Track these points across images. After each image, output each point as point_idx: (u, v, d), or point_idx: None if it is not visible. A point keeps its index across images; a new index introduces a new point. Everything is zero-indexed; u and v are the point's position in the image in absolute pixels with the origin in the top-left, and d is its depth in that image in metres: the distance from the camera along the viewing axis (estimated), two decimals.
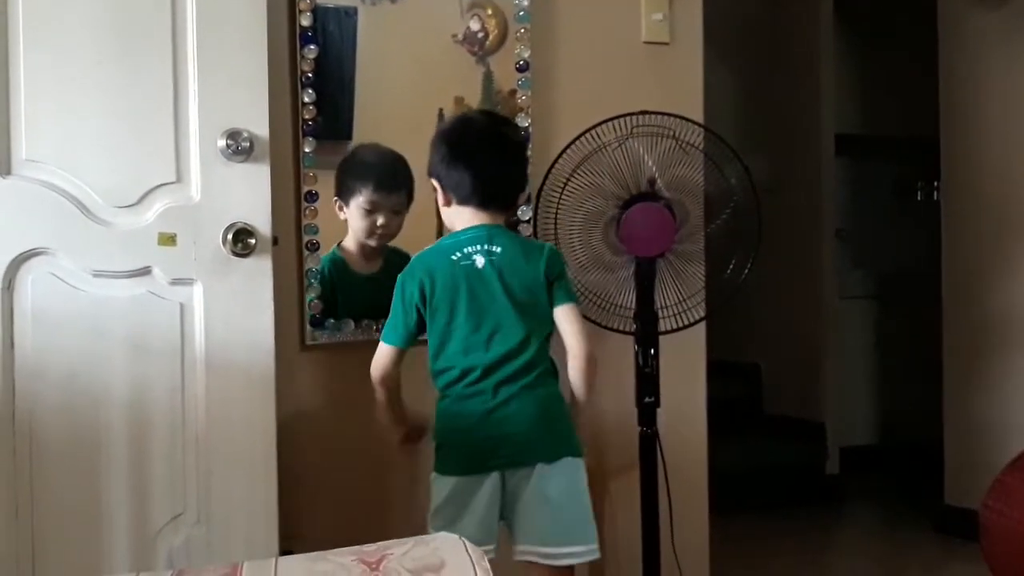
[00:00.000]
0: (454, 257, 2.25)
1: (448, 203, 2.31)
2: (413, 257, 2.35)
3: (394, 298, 2.29)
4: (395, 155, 2.62)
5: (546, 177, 2.59)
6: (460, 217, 2.30)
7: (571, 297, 2.33)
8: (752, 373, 5.30)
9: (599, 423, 2.91)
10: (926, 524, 4.15)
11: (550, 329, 2.31)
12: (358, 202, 2.57)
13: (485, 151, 2.29)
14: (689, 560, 2.81)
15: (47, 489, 2.05)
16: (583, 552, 2.25)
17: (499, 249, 2.25)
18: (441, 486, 2.25)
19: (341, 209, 2.59)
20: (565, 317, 2.30)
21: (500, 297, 2.23)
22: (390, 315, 2.30)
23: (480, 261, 2.24)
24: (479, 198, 2.27)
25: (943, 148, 4.18)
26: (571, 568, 2.28)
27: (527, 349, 2.24)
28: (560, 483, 2.25)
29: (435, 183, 2.33)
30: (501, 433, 2.23)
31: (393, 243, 2.62)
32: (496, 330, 2.23)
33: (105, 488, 2.09)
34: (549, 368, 2.30)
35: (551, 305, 2.29)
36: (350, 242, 2.62)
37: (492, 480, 2.22)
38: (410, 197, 2.60)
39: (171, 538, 2.14)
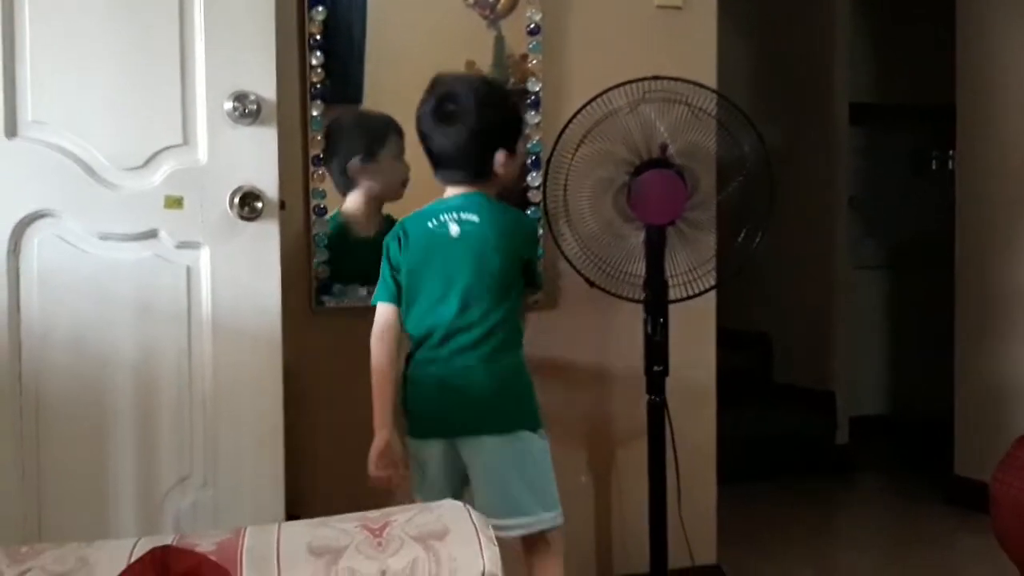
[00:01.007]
0: (431, 224, 2.26)
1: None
2: (399, 220, 2.36)
3: (382, 259, 2.31)
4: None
5: (556, 143, 2.57)
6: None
7: (532, 282, 2.39)
8: (762, 342, 5.28)
9: (606, 392, 2.91)
10: (935, 495, 4.14)
11: (517, 303, 2.32)
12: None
13: (431, 129, 2.29)
14: (696, 528, 2.81)
15: (53, 451, 2.05)
16: (533, 523, 2.27)
17: (476, 219, 2.25)
18: (410, 449, 2.30)
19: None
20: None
21: (468, 266, 2.23)
22: (380, 276, 2.32)
23: (454, 229, 2.24)
24: (440, 173, 2.31)
25: (959, 117, 4.14)
26: (542, 536, 2.29)
27: (488, 319, 2.24)
28: (510, 456, 2.25)
29: None
30: (453, 401, 2.25)
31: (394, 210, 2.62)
32: (460, 298, 2.23)
33: (112, 450, 2.09)
34: (511, 339, 2.29)
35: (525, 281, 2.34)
36: (351, 205, 2.63)
37: (441, 447, 2.25)
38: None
39: (178, 500, 2.14)
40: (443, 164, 2.29)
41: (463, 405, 2.25)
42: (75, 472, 2.08)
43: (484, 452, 2.24)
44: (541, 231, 2.62)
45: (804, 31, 5.07)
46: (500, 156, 2.26)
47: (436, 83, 2.32)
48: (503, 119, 2.33)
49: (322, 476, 2.58)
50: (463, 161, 2.29)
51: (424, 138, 2.29)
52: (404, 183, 2.63)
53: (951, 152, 4.41)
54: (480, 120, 2.25)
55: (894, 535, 3.94)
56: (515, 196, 2.67)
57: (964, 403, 4.10)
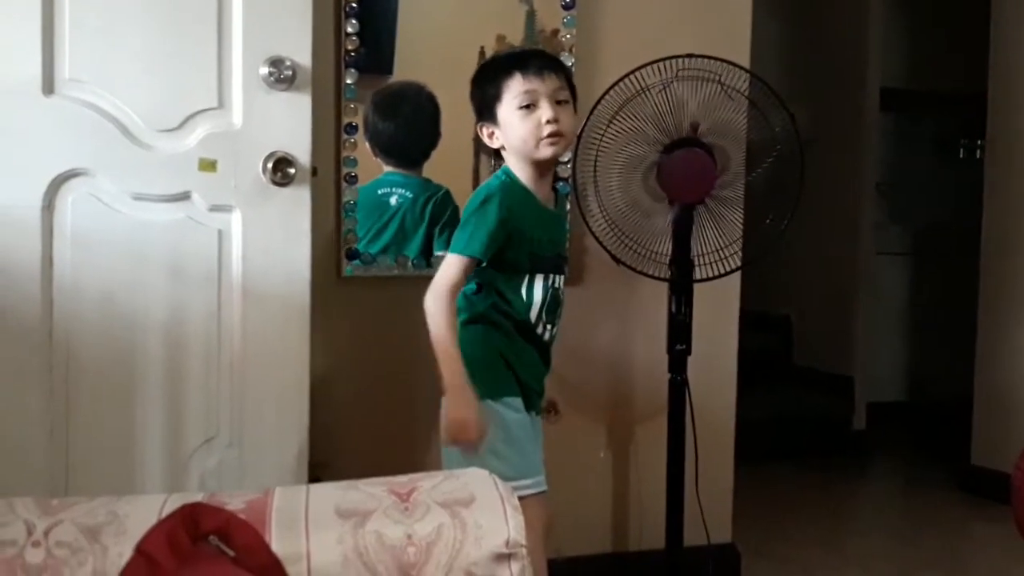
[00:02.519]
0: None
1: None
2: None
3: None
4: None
5: (588, 119, 2.57)
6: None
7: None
8: (783, 324, 5.28)
9: (628, 369, 2.92)
10: (951, 483, 4.14)
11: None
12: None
13: None
14: (712, 507, 2.82)
15: (82, 407, 2.08)
16: None
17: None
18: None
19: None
20: None
21: None
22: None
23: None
24: None
25: (991, 105, 4.11)
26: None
27: None
28: None
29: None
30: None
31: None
32: None
33: (140, 409, 2.12)
34: (464, 316, 2.20)
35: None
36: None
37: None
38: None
39: (204, 460, 2.16)
40: None
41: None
42: (103, 429, 2.10)
43: None
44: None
45: (838, 15, 5.05)
46: (484, 131, 2.26)
47: None
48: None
49: (348, 437, 2.60)
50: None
51: None
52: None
53: (979, 141, 4.39)
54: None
55: (908, 520, 3.95)
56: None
57: (983, 393, 4.10)
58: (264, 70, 2.12)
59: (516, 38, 2.73)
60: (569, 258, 2.75)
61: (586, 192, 2.58)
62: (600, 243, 2.58)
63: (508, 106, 2.19)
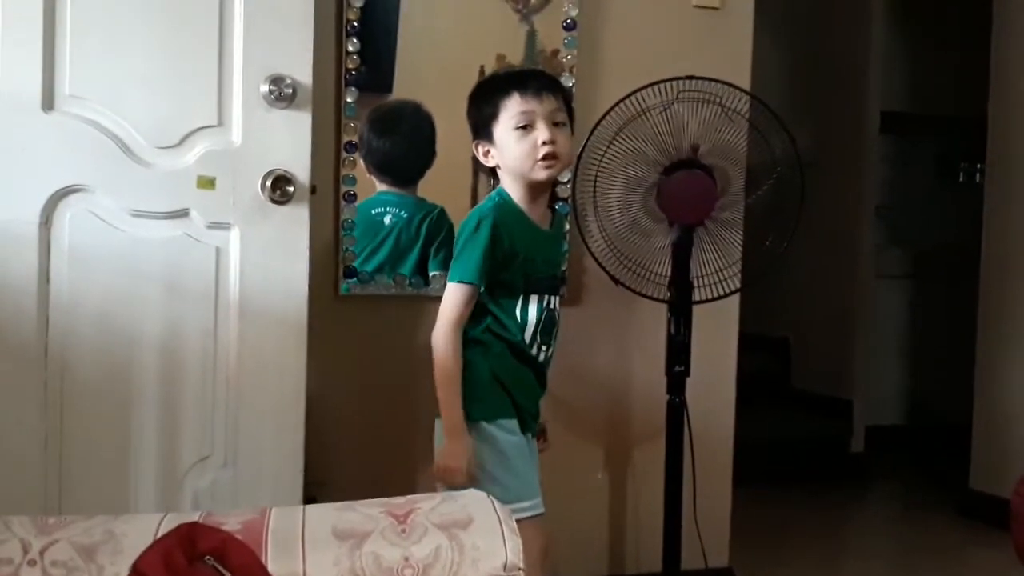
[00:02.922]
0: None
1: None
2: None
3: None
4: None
5: (587, 140, 2.57)
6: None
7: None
8: (781, 346, 5.27)
9: (626, 390, 2.91)
10: (949, 507, 4.12)
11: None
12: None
13: None
14: (710, 530, 2.81)
15: (77, 424, 2.07)
16: None
17: None
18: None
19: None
20: None
21: None
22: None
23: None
24: None
25: (991, 129, 4.11)
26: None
27: None
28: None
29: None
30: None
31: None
32: None
33: (135, 426, 2.11)
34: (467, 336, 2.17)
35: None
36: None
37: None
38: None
39: (198, 479, 2.15)
40: None
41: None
42: (97, 446, 2.09)
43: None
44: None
45: (839, 37, 5.06)
46: (479, 149, 2.23)
47: None
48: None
49: (343, 457, 2.59)
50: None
51: None
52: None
53: (979, 164, 4.39)
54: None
55: (905, 545, 3.93)
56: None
57: (982, 417, 4.08)
58: (264, 88, 2.11)
59: (516, 58, 2.74)
60: (567, 278, 2.75)
61: (585, 212, 2.58)
62: (599, 263, 2.57)
63: (504, 126, 2.17)
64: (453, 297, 2.15)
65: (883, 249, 5.17)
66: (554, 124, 2.17)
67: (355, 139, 2.58)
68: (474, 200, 2.68)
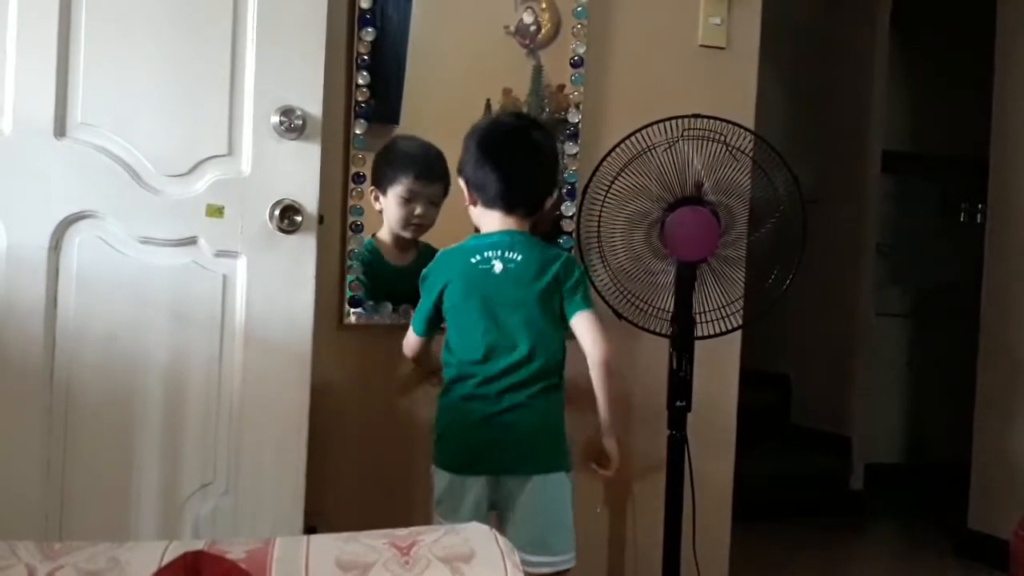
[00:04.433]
0: (474, 260, 2.29)
1: (474, 203, 2.35)
2: (439, 252, 2.39)
3: (420, 289, 2.37)
4: (434, 148, 2.62)
5: (593, 175, 2.59)
6: (485, 219, 2.35)
7: (585, 304, 2.33)
8: (782, 383, 5.28)
9: (627, 424, 2.91)
10: (947, 547, 4.12)
11: (561, 340, 2.34)
12: (396, 191, 2.57)
13: (513, 154, 2.31)
14: (708, 565, 2.81)
15: (79, 449, 2.07)
16: (559, 562, 2.30)
17: (519, 257, 2.28)
18: (439, 479, 2.30)
19: (377, 199, 2.59)
20: (580, 324, 2.32)
21: (512, 304, 2.26)
22: (418, 304, 2.39)
23: (498, 267, 2.27)
24: (504, 203, 2.31)
25: (992, 169, 4.14)
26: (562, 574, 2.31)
27: (535, 359, 2.27)
28: (547, 496, 2.28)
29: (462, 182, 2.37)
30: (499, 439, 2.27)
31: (427, 238, 2.63)
32: (505, 337, 2.27)
33: (137, 452, 2.11)
34: (556, 381, 2.33)
35: (565, 315, 2.32)
36: (385, 233, 2.62)
37: (481, 483, 2.26)
38: (446, 190, 2.59)
39: (199, 506, 2.15)
40: (513, 196, 2.30)
41: (511, 443, 2.26)
42: (99, 472, 2.09)
43: (525, 491, 2.26)
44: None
45: (842, 77, 5.10)
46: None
47: (511, 113, 2.51)
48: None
49: (344, 487, 2.59)
50: (535, 193, 2.33)
51: (492, 162, 2.30)
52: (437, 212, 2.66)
53: (980, 204, 4.41)
54: (554, 157, 2.41)
55: None
56: (548, 225, 2.70)
57: (981, 457, 4.09)
58: (275, 119, 2.14)
59: (522, 92, 2.75)
60: None
61: (590, 247, 2.60)
62: (603, 298, 2.58)
63: None
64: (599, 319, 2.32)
65: (884, 287, 5.19)
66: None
67: (363, 170, 2.60)
68: None
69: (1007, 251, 4.05)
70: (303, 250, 2.18)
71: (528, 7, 2.75)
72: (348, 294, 2.61)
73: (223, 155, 2.14)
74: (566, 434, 2.35)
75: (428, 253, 2.50)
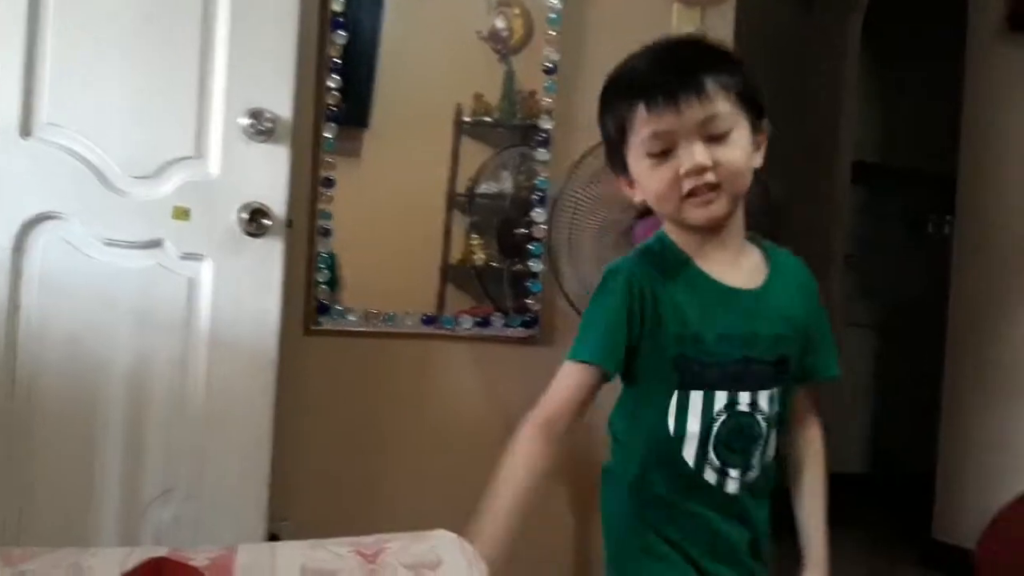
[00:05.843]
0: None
1: None
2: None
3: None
4: None
5: (565, 183, 2.58)
6: None
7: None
8: None
9: (599, 435, 2.90)
10: (912, 557, 4.13)
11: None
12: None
13: None
14: None
15: (40, 452, 2.04)
16: None
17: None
18: None
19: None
20: None
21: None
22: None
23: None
24: None
25: (960, 183, 4.17)
26: None
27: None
28: None
29: None
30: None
31: None
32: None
33: (99, 456, 2.08)
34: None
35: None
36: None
37: None
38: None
39: (160, 512, 2.13)
40: None
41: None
42: (61, 476, 2.06)
43: None
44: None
45: (813, 88, 5.12)
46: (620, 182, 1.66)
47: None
48: None
49: (308, 493, 2.57)
50: None
51: None
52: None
53: (948, 217, 4.44)
54: None
55: None
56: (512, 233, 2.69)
57: (946, 467, 4.11)
58: (244, 121, 2.12)
59: (494, 97, 2.75)
60: (540, 320, 2.74)
61: (559, 253, 2.59)
62: (573, 305, 2.58)
63: (635, 152, 1.56)
64: (563, 378, 1.67)
65: (851, 298, 5.21)
66: (709, 138, 1.53)
67: (333, 174, 2.58)
68: (447, 244, 2.67)
69: (974, 264, 4.07)
70: (271, 254, 2.16)
71: (500, 12, 2.74)
72: (316, 300, 2.59)
73: (191, 157, 2.12)
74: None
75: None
